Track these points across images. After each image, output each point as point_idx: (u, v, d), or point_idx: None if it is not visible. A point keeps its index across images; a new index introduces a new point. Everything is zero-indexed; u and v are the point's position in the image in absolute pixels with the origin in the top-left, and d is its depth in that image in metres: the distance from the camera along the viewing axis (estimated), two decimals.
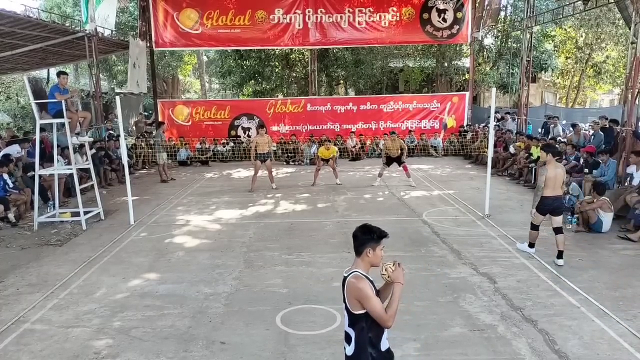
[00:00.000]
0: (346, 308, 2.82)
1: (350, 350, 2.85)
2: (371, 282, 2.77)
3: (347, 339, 2.86)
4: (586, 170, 9.78)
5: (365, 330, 2.78)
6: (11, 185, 9.27)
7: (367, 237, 2.81)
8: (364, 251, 2.81)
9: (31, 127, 18.71)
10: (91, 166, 9.28)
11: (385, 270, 2.81)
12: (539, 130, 15.58)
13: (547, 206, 6.42)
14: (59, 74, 8.71)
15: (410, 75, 23.91)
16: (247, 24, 16.46)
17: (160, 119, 17.07)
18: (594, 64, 24.97)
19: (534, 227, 6.71)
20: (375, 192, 11.15)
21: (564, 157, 10.94)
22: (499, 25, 20.37)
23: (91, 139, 10.89)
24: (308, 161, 15.73)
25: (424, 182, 12.23)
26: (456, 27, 16.78)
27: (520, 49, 16.62)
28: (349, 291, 2.76)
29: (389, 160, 11.82)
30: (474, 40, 17.95)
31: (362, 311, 2.75)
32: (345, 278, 2.82)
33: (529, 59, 15.75)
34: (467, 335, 4.57)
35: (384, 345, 2.85)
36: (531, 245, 6.83)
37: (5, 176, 9.20)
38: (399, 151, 11.69)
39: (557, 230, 6.40)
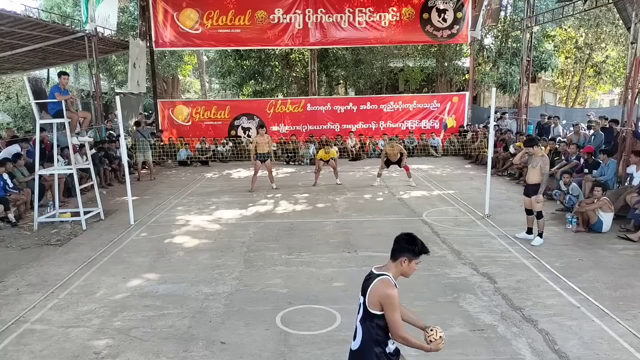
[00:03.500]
0: (364, 303, 2.80)
1: (355, 345, 2.86)
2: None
3: (355, 333, 2.87)
4: (586, 170, 9.77)
5: (375, 329, 2.78)
6: (11, 185, 9.26)
7: (408, 246, 2.80)
8: (399, 259, 2.79)
9: (31, 127, 18.73)
10: (91, 166, 9.27)
11: (432, 339, 2.83)
12: (534, 130, 15.58)
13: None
14: (60, 74, 8.70)
15: (410, 75, 23.91)
16: (247, 24, 16.45)
17: (160, 119, 17.11)
18: (594, 64, 24.97)
19: (542, 215, 7.18)
20: (375, 192, 11.15)
21: (564, 157, 10.96)
22: (499, 25, 20.37)
23: (91, 139, 10.89)
24: (308, 161, 15.72)
25: (424, 182, 12.23)
26: (456, 27, 16.76)
27: (520, 49, 16.64)
28: (374, 291, 2.75)
29: (388, 163, 11.90)
30: (474, 40, 17.95)
31: (380, 312, 2.74)
32: (371, 274, 2.81)
33: (529, 59, 15.76)
34: (467, 335, 4.57)
35: (392, 346, 2.85)
36: (541, 234, 7.23)
37: (5, 176, 9.20)
38: (399, 156, 11.77)
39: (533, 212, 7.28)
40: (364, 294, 2.81)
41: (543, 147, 11.68)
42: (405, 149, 16.67)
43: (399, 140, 17.19)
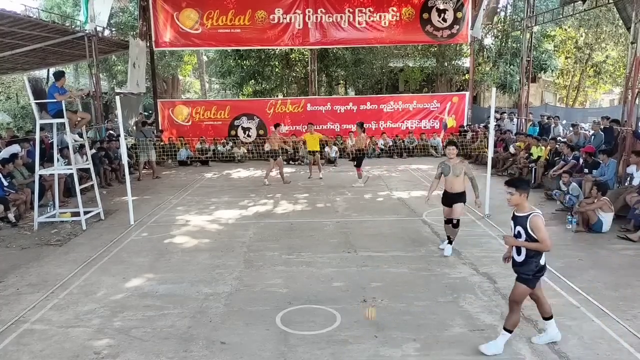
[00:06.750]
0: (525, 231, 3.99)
1: (520, 258, 4.08)
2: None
3: (518, 251, 4.10)
4: (586, 170, 9.77)
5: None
6: (6, 184, 9.17)
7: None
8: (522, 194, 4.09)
9: (31, 127, 18.74)
10: (91, 166, 9.27)
11: None
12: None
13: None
14: (57, 74, 8.68)
15: (410, 75, 23.91)
16: (247, 24, 16.46)
17: (160, 119, 17.11)
18: (594, 64, 24.97)
19: (459, 224, 6.88)
20: (375, 192, 11.15)
21: (561, 158, 10.94)
22: (498, 25, 20.39)
23: (82, 140, 10.85)
24: (308, 161, 15.71)
25: (423, 182, 12.23)
26: (456, 27, 16.77)
27: (520, 49, 16.64)
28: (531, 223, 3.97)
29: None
30: (474, 40, 17.95)
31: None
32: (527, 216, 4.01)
33: (529, 59, 15.77)
34: (467, 335, 4.57)
35: (543, 261, 4.08)
36: (451, 241, 6.87)
37: None
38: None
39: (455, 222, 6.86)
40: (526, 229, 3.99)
41: (543, 147, 11.74)
42: (405, 149, 16.72)
43: (399, 140, 17.24)
